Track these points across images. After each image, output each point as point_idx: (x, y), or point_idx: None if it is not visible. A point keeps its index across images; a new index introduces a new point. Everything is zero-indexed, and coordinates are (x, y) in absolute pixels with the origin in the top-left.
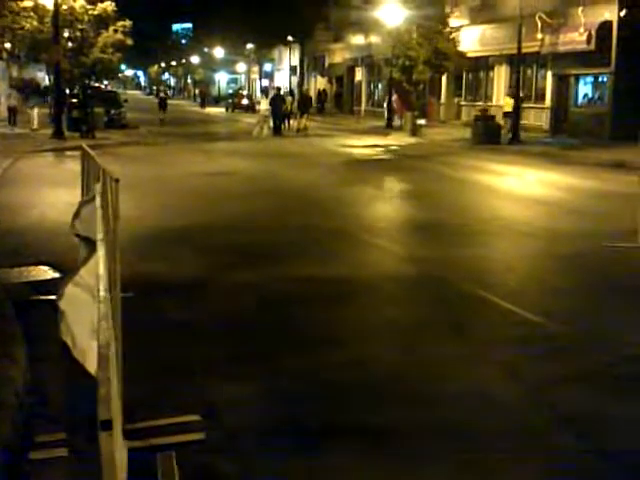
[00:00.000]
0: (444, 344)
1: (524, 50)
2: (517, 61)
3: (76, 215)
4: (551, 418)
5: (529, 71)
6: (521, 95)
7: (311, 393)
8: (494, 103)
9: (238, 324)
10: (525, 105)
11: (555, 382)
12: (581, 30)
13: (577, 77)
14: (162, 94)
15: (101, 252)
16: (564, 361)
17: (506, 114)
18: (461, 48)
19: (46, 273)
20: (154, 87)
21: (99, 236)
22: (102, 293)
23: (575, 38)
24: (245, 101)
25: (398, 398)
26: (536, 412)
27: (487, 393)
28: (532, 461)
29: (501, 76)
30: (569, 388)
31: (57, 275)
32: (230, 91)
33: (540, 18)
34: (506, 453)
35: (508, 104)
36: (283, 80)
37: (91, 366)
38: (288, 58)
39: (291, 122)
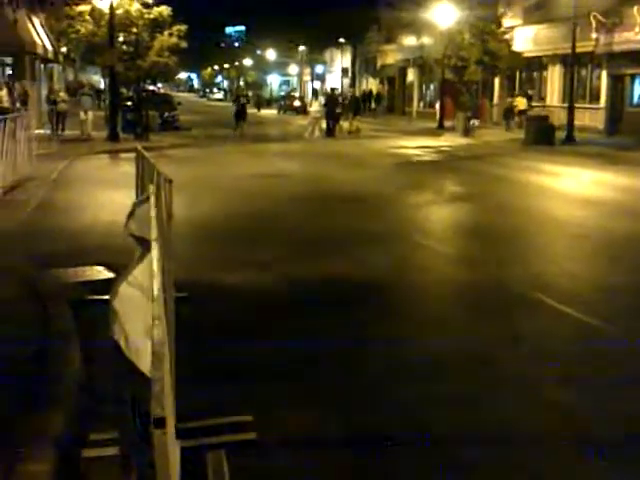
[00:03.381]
0: (499, 347)
1: (578, 50)
2: (571, 61)
3: (130, 215)
4: (614, 422)
5: (583, 71)
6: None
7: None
8: (548, 103)
9: (291, 322)
10: (579, 105)
11: (615, 386)
12: (636, 29)
13: (632, 77)
14: (242, 99)
15: (155, 251)
16: (624, 365)
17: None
18: (514, 48)
19: (100, 273)
20: (207, 90)
21: (153, 235)
22: (156, 292)
23: (630, 37)
24: (297, 103)
25: (451, 403)
26: (599, 417)
27: (546, 398)
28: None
29: (555, 76)
30: (632, 393)
31: (111, 275)
32: (282, 93)
33: (594, 17)
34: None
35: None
36: (335, 82)
37: (144, 365)
38: (340, 60)
39: (342, 124)
